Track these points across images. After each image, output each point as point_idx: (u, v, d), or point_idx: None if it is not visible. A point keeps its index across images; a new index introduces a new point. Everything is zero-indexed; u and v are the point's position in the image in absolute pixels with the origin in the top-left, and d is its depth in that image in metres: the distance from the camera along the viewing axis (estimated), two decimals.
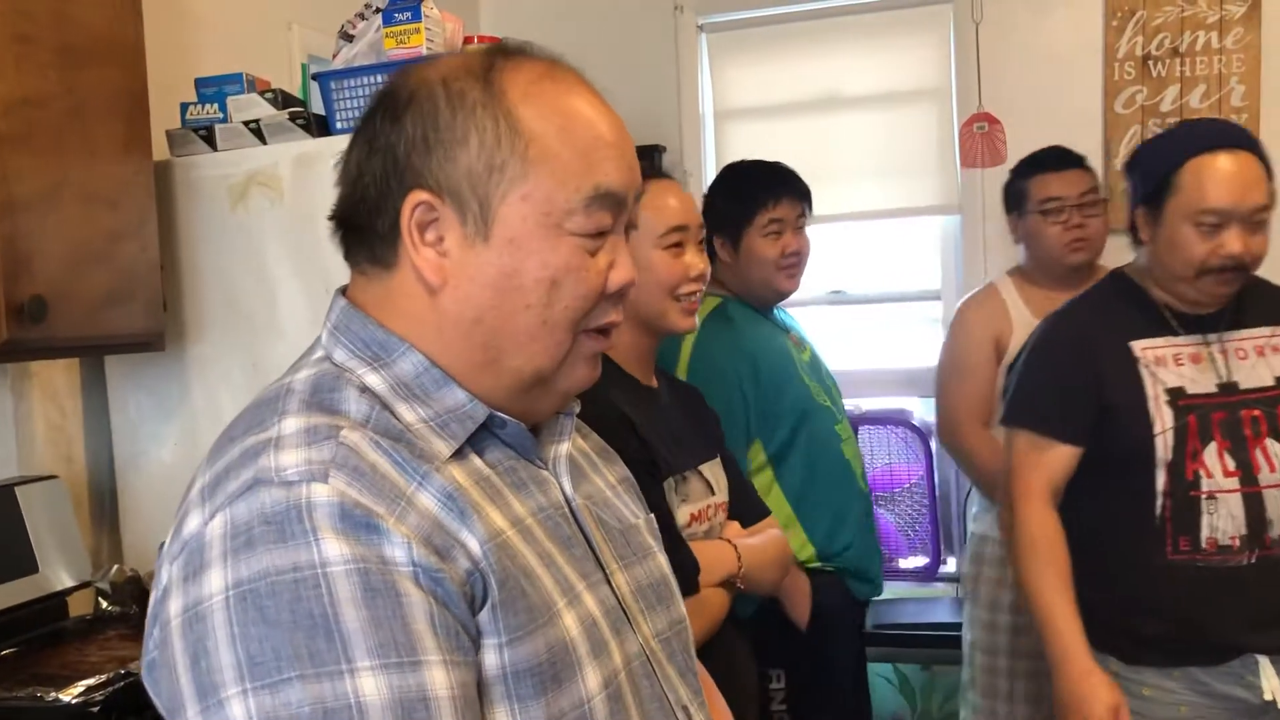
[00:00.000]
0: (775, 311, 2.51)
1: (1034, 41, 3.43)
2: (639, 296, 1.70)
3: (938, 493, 3.55)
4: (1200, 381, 1.88)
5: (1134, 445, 1.88)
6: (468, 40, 2.20)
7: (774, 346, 2.36)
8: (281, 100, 2.15)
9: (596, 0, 3.80)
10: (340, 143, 2.04)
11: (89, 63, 1.87)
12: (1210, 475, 1.84)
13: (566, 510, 0.97)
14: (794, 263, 2.39)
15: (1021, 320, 2.65)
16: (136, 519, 2.25)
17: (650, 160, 3.59)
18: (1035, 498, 1.93)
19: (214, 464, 0.85)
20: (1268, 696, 1.87)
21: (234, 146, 2.14)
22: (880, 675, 3.53)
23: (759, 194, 2.36)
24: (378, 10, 2.11)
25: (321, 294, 2.05)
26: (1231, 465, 1.85)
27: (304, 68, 2.35)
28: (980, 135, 3.48)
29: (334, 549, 0.77)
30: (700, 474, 1.75)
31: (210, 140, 2.16)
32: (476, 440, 0.92)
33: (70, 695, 1.61)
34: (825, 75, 3.67)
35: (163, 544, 0.85)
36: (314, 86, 2.18)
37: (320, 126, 2.12)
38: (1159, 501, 1.86)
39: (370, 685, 0.74)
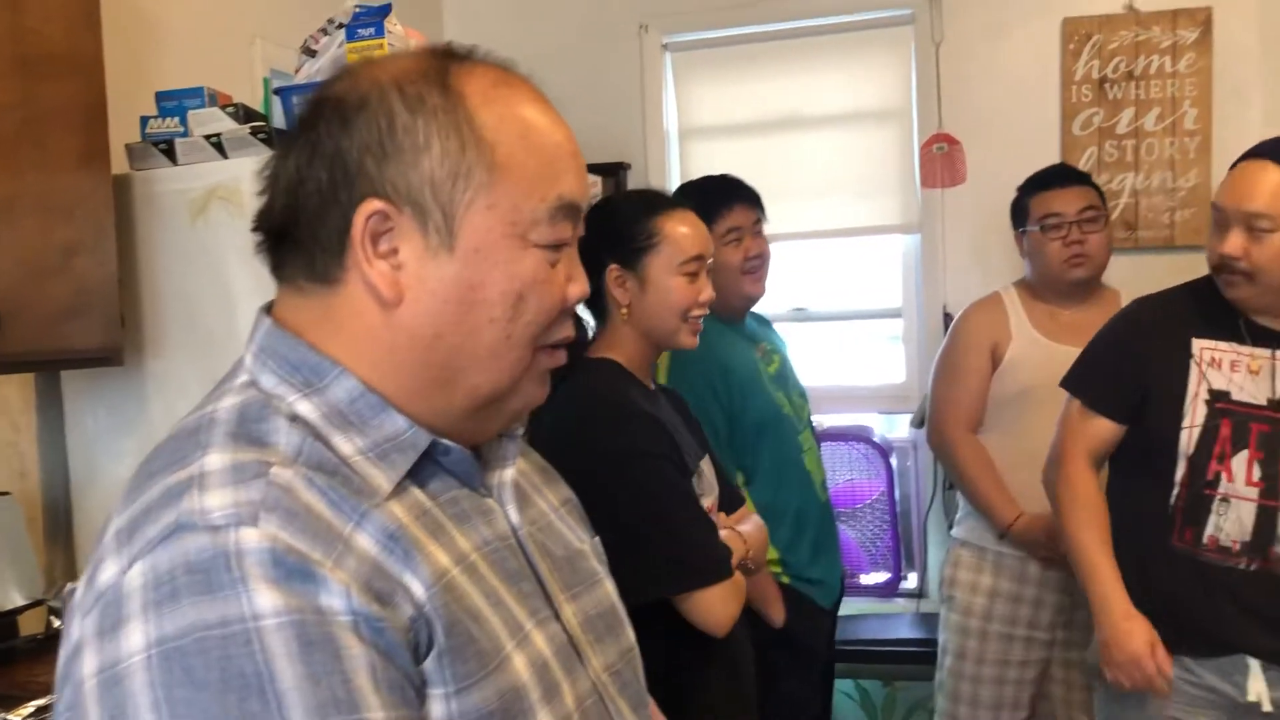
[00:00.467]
0: (748, 321, 2.53)
1: (993, 64, 3.48)
2: (654, 314, 1.82)
3: (898, 509, 3.57)
4: (1250, 391, 1.93)
5: (1160, 432, 1.97)
6: None
7: (741, 357, 2.39)
8: (243, 115, 2.15)
9: (562, 18, 3.82)
10: None
11: (46, 74, 1.86)
12: (1231, 480, 1.92)
13: (513, 540, 0.92)
14: (757, 265, 2.43)
15: (1021, 331, 2.68)
16: (92, 536, 2.21)
17: (616, 178, 3.61)
18: (1080, 459, 2.05)
19: (130, 504, 0.77)
20: (1252, 698, 1.92)
21: (194, 160, 2.13)
22: (841, 691, 3.54)
23: (713, 205, 2.38)
24: (341, 26, 2.11)
25: None
26: (1257, 476, 1.91)
27: (266, 82, 2.34)
28: (940, 155, 3.52)
29: (266, 600, 0.70)
30: (701, 472, 1.84)
31: (170, 154, 2.15)
32: (417, 470, 0.85)
33: (20, 716, 1.59)
34: (788, 95, 3.70)
35: (71, 589, 0.79)
36: (276, 101, 2.18)
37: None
38: (1174, 490, 1.96)
39: None
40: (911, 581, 3.56)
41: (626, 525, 1.59)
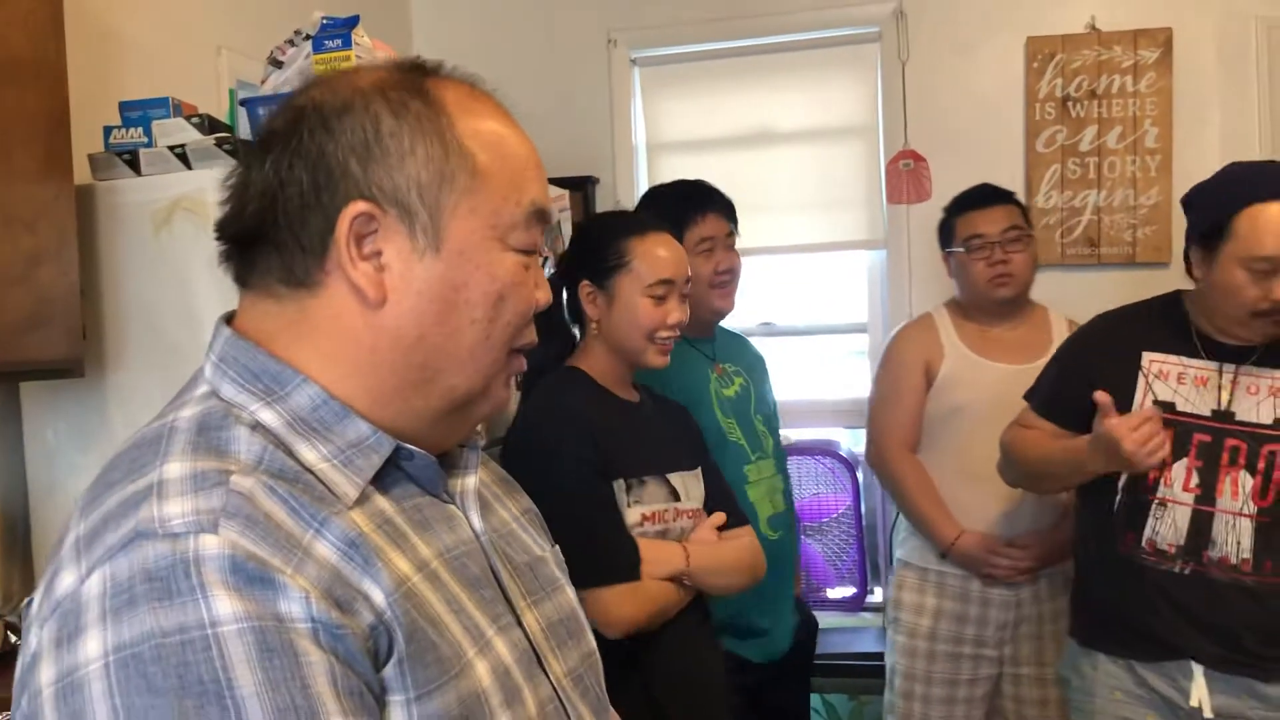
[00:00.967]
0: (716, 339, 2.47)
1: (958, 82, 3.52)
2: (620, 332, 1.87)
3: (864, 523, 3.59)
4: (1194, 403, 2.00)
5: None
6: None
7: (690, 376, 2.32)
8: (208, 125, 2.13)
9: (532, 32, 3.82)
10: None
11: (7, 82, 1.83)
12: (1169, 485, 2.00)
13: (476, 546, 0.93)
14: (727, 280, 2.39)
15: (954, 350, 2.71)
16: (50, 551, 2.18)
17: (585, 191, 3.61)
18: (1024, 424, 2.20)
19: (89, 514, 0.77)
20: (1194, 703, 1.97)
21: (158, 171, 2.11)
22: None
23: (686, 212, 2.35)
24: (308, 37, 2.10)
25: None
26: (1195, 483, 1.98)
27: (232, 93, 2.33)
28: (906, 172, 3.55)
29: (225, 607, 0.70)
30: (666, 480, 1.86)
31: (134, 164, 2.12)
32: (381, 477, 0.86)
33: None
34: (756, 111, 3.73)
35: (29, 602, 0.78)
36: (242, 112, 2.16)
37: None
38: (1116, 497, 2.05)
39: None
40: (878, 595, 3.57)
41: (553, 525, 1.64)
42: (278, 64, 2.13)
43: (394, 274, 0.85)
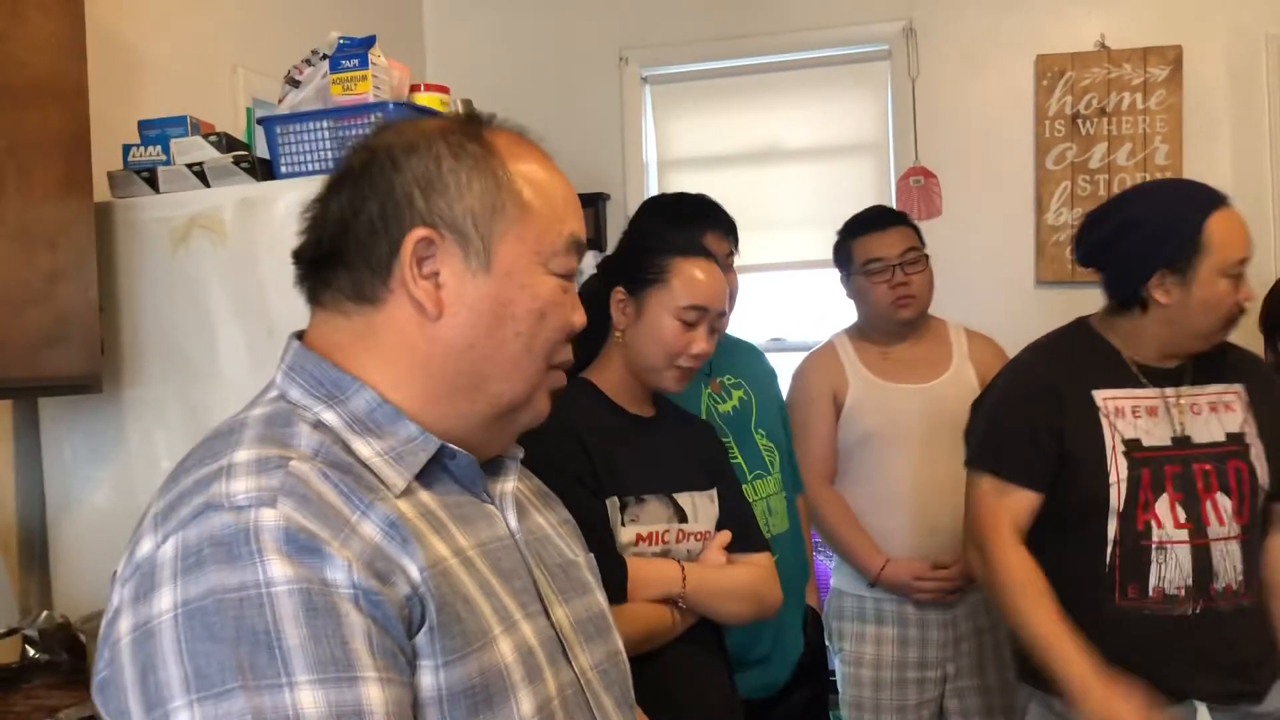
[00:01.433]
0: (715, 351, 2.40)
1: (968, 99, 3.54)
2: (642, 347, 1.79)
3: None
4: (1155, 434, 1.92)
5: (1089, 494, 1.90)
6: (414, 89, 2.22)
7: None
8: (226, 144, 2.16)
9: (543, 50, 3.85)
10: (285, 186, 2.06)
11: (30, 102, 1.86)
12: (1161, 526, 1.88)
13: (511, 542, 1.03)
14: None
15: (857, 375, 2.69)
16: (67, 565, 2.21)
17: (596, 208, 3.63)
18: (1007, 539, 1.94)
19: (167, 493, 0.88)
20: None
21: (176, 189, 2.14)
22: None
23: (685, 227, 2.22)
24: (325, 57, 2.12)
25: (263, 337, 2.06)
26: (1183, 517, 1.88)
27: (249, 112, 2.35)
28: (916, 188, 3.57)
29: (278, 570, 0.80)
30: (672, 500, 1.78)
31: (152, 182, 2.15)
32: (425, 475, 0.96)
33: None
34: (766, 128, 3.75)
35: (115, 572, 0.87)
36: (259, 130, 2.19)
37: (264, 170, 2.13)
38: (1109, 550, 1.89)
39: (308, 698, 0.78)
40: None
41: None
42: (295, 83, 2.15)
43: (450, 291, 0.97)
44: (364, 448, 0.93)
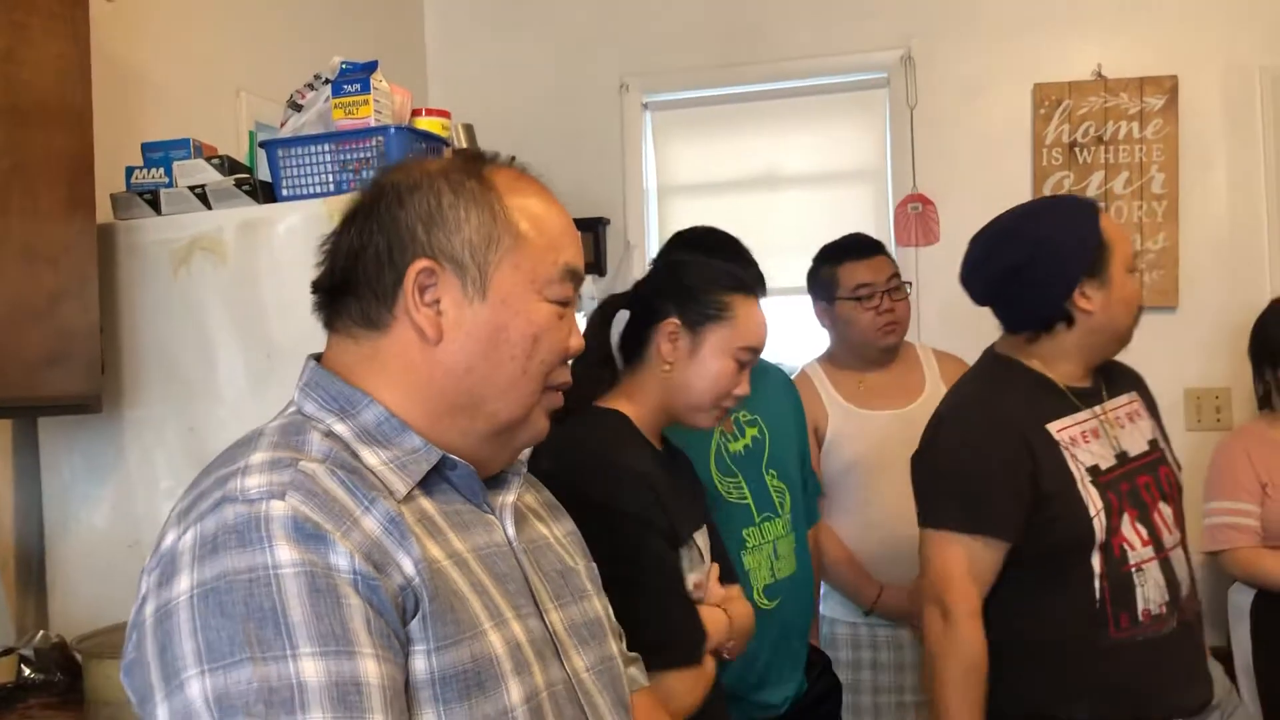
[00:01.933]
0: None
1: (966, 127, 3.56)
2: (690, 384, 1.73)
3: None
4: (1105, 456, 1.89)
5: (1075, 531, 1.83)
6: (415, 113, 2.24)
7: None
8: (228, 166, 2.17)
9: (545, 77, 3.88)
10: (286, 209, 2.08)
11: (35, 124, 1.88)
12: (1133, 548, 1.85)
13: (508, 549, 1.09)
14: None
15: (834, 405, 2.69)
16: (65, 585, 2.21)
17: (596, 232, 3.65)
18: (975, 611, 1.84)
19: (190, 493, 0.96)
20: None
21: (178, 211, 2.15)
22: None
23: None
24: (327, 81, 2.14)
25: (262, 358, 2.07)
26: (1145, 534, 1.86)
27: (252, 135, 2.37)
28: (914, 215, 3.59)
29: (285, 554, 0.88)
30: (695, 541, 1.74)
31: (155, 204, 2.17)
32: (429, 484, 1.03)
33: None
34: (765, 154, 3.77)
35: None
36: (261, 153, 2.20)
37: (266, 193, 2.14)
38: (1097, 584, 1.82)
39: (310, 668, 0.85)
40: None
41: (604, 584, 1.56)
42: (297, 107, 2.17)
43: (449, 318, 1.04)
44: (370, 456, 1.00)
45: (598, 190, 3.78)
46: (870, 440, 2.61)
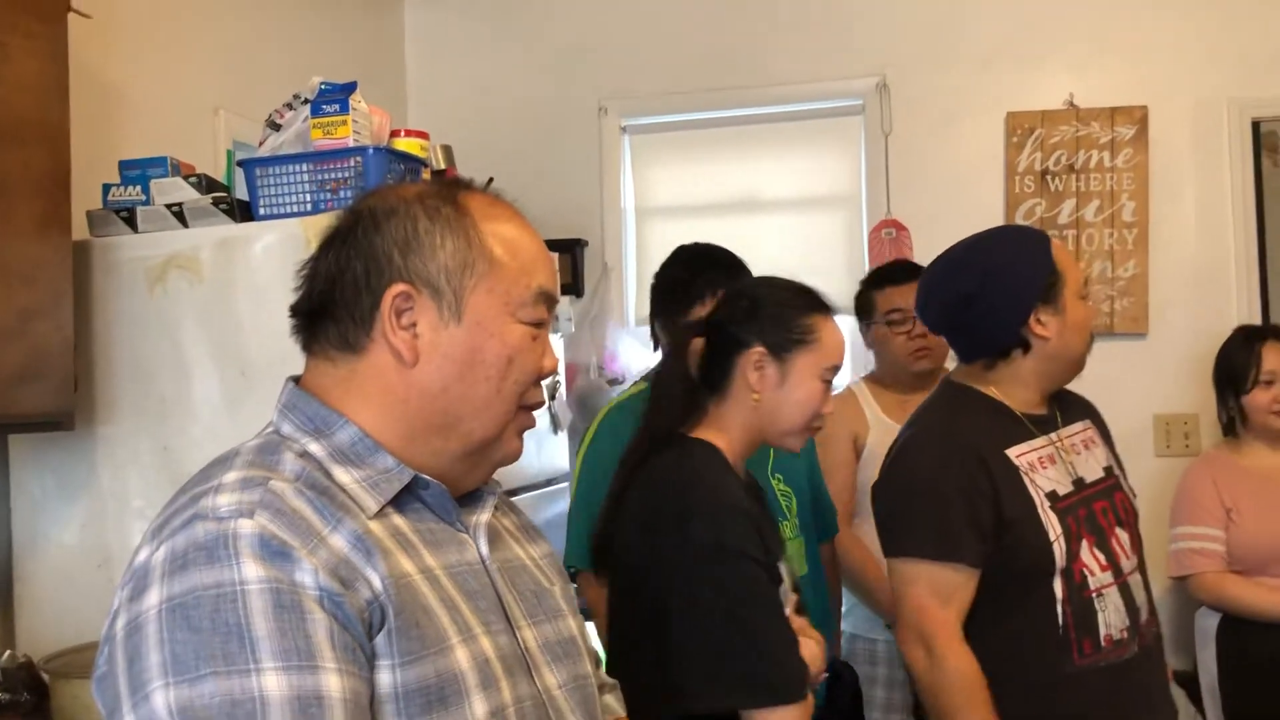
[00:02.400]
0: None
1: (940, 154, 3.61)
2: (783, 410, 1.73)
3: None
4: (1062, 482, 1.90)
5: (1036, 557, 1.83)
6: (394, 134, 2.25)
7: None
8: (205, 185, 2.18)
9: (525, 100, 3.90)
10: (263, 228, 2.09)
11: (11, 141, 1.88)
12: (1093, 573, 1.85)
13: (480, 567, 1.10)
14: None
15: (876, 421, 2.75)
16: (33, 604, 2.19)
17: (574, 254, 3.66)
18: (957, 637, 1.83)
19: (165, 511, 0.98)
20: None
21: (155, 229, 2.15)
22: None
23: (697, 282, 2.31)
24: (306, 101, 2.15)
25: (236, 377, 2.07)
26: (1103, 559, 1.87)
27: (230, 154, 2.38)
28: (888, 240, 3.62)
29: (252, 570, 0.89)
30: (780, 571, 1.74)
31: (131, 222, 2.17)
32: (401, 502, 1.05)
33: None
34: (742, 179, 3.80)
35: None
36: (239, 172, 2.21)
37: (243, 212, 2.15)
38: (1059, 610, 1.82)
39: (273, 683, 0.86)
40: None
41: (706, 624, 1.55)
42: (276, 126, 2.18)
43: (425, 340, 1.06)
44: (344, 475, 1.02)
45: (576, 212, 3.79)
46: None
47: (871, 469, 2.66)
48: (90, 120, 2.31)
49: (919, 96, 3.62)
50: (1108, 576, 1.87)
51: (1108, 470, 1.99)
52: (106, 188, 2.21)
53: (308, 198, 2.10)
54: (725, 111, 3.79)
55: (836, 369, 1.77)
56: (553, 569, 1.25)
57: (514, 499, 1.61)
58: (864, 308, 2.84)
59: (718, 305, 1.87)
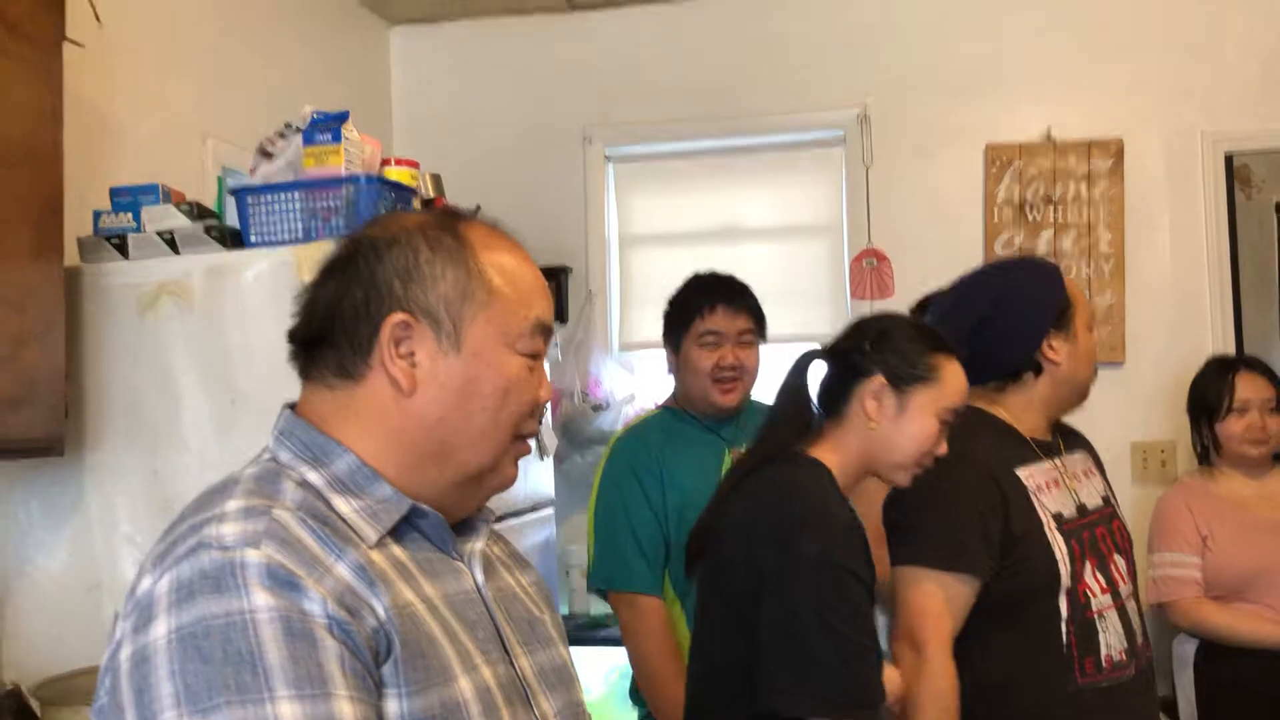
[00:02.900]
0: (742, 419, 2.40)
1: (920, 185, 3.66)
2: (896, 443, 1.75)
3: None
4: (1066, 506, 1.96)
5: (1042, 574, 1.87)
6: (385, 163, 2.27)
7: (697, 459, 2.33)
8: (197, 212, 2.19)
9: (509, 129, 3.93)
10: (254, 256, 2.10)
11: (4, 167, 1.88)
12: (1095, 595, 1.89)
13: (477, 596, 1.10)
14: (730, 377, 2.36)
15: None
16: (18, 631, 2.18)
17: (558, 281, 3.68)
18: (947, 649, 1.86)
19: (166, 538, 0.97)
20: None
21: (146, 256, 2.16)
22: None
23: (696, 301, 2.39)
24: (298, 130, 2.17)
25: (226, 404, 2.08)
26: (1103, 582, 1.92)
27: (220, 181, 2.39)
28: (870, 270, 3.66)
29: (261, 599, 0.89)
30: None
31: (122, 248, 2.17)
32: (399, 533, 1.05)
33: None
34: (725, 208, 3.85)
35: (117, 612, 0.95)
36: (230, 200, 2.22)
37: (234, 239, 2.16)
38: (1064, 628, 1.86)
39: (287, 711, 0.86)
40: None
41: (798, 631, 1.58)
42: (267, 155, 2.19)
43: (423, 370, 1.07)
44: (343, 504, 1.02)
45: (560, 239, 3.82)
46: None
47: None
48: (79, 146, 2.32)
49: (899, 128, 3.67)
50: (1108, 599, 1.91)
51: (1105, 500, 2.04)
52: (97, 214, 2.21)
53: (299, 225, 2.12)
54: (709, 141, 3.84)
55: (955, 412, 1.78)
56: (541, 597, 1.25)
57: (501, 524, 1.64)
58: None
59: (844, 332, 1.88)
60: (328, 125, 2.15)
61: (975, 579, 1.87)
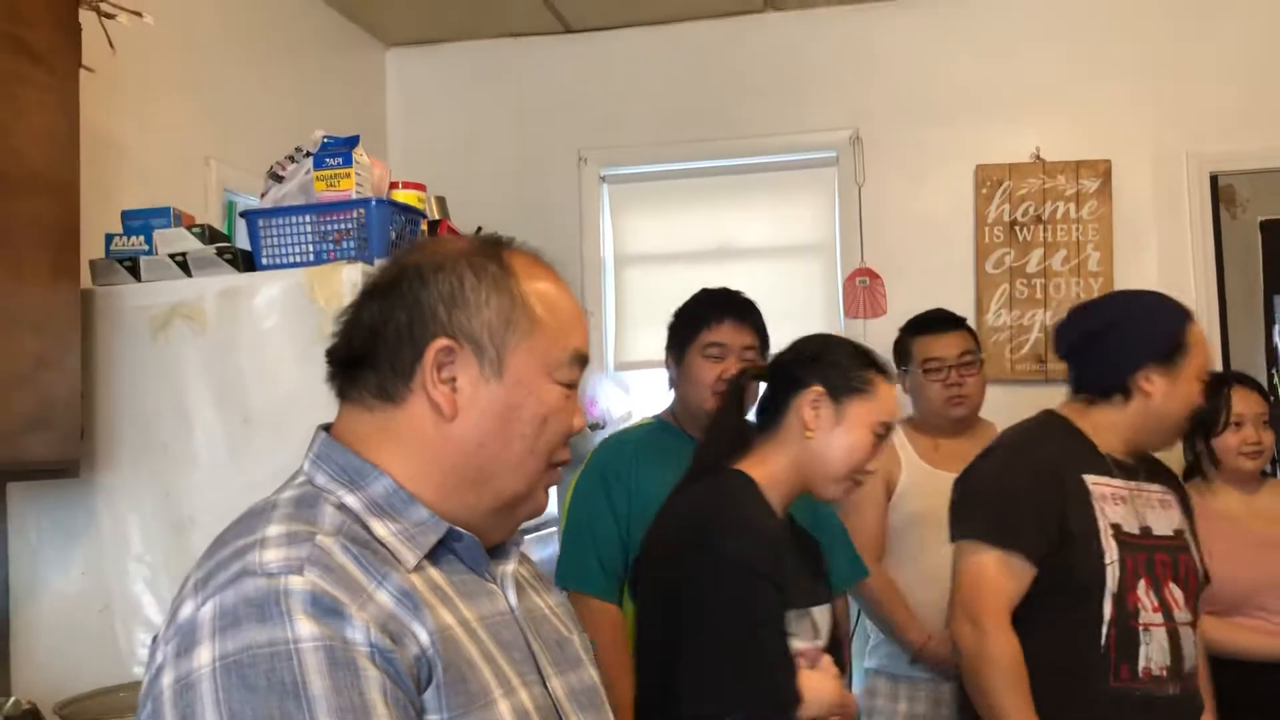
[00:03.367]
0: None
1: (912, 204, 3.72)
2: (829, 454, 1.79)
3: None
4: (1129, 522, 2.02)
5: (1089, 573, 1.96)
6: (392, 185, 2.30)
7: (660, 479, 2.27)
8: (208, 235, 2.21)
9: (505, 149, 3.97)
10: (266, 278, 2.13)
11: (22, 193, 1.90)
12: (1145, 609, 1.96)
13: (511, 618, 1.12)
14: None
15: (911, 463, 2.84)
16: (30, 651, 2.18)
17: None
18: (1004, 621, 1.96)
19: (206, 564, 0.98)
20: None
21: (158, 278, 2.18)
22: None
23: (703, 313, 2.43)
24: (309, 154, 2.20)
25: (238, 425, 2.10)
26: (1156, 602, 1.98)
27: (230, 205, 2.42)
28: (862, 289, 3.71)
29: (305, 628, 0.90)
30: (811, 615, 1.78)
31: (135, 271, 2.19)
32: (435, 555, 1.06)
33: None
34: (719, 227, 3.89)
35: (155, 636, 0.96)
36: (240, 223, 2.25)
37: (246, 262, 2.19)
38: (1104, 630, 1.94)
39: None
40: None
41: (712, 634, 1.63)
42: (278, 178, 2.22)
43: (464, 395, 1.08)
44: (380, 528, 1.03)
45: (555, 259, 3.71)
46: (937, 497, 2.67)
47: (903, 510, 2.74)
48: (87, 169, 2.33)
49: (891, 149, 3.73)
50: (1159, 617, 1.97)
51: (1178, 533, 2.08)
52: (109, 237, 2.24)
53: (310, 248, 2.15)
54: (703, 162, 3.89)
55: (889, 427, 1.83)
56: (569, 617, 1.26)
57: None
58: (902, 353, 2.92)
59: (784, 349, 1.94)
60: (338, 149, 2.18)
61: (1028, 562, 1.97)
